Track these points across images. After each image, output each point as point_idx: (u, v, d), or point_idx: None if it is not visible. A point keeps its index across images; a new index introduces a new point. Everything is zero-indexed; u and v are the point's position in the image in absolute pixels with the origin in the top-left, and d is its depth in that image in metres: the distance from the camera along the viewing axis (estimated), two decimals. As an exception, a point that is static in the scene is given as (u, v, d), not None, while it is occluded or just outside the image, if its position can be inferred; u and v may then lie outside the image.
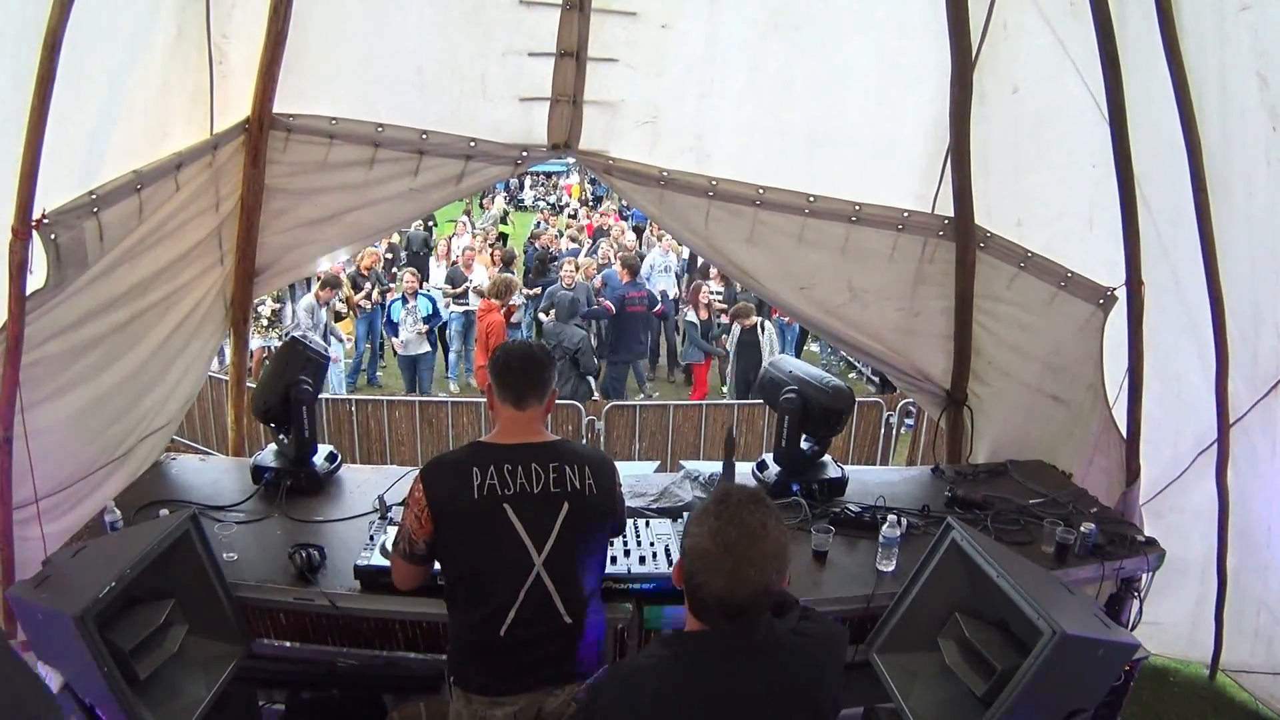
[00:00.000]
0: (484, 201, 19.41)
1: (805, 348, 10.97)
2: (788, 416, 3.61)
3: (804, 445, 3.67)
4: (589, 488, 2.40)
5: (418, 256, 12.86)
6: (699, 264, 10.56)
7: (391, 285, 10.87)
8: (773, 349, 8.67)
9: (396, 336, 9.30)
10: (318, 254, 4.29)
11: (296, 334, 3.90)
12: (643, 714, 1.70)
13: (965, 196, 3.95)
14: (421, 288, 9.69)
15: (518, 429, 2.44)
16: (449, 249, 11.76)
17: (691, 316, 9.70)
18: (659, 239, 11.59)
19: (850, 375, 10.38)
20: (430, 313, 9.39)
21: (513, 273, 10.81)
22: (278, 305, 9.61)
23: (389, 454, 6.91)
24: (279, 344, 8.72)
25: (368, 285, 10.14)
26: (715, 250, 4.17)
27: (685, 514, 3.34)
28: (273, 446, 3.66)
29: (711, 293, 9.72)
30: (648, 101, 3.94)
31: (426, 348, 9.43)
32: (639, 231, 15.54)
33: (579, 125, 3.96)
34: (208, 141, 3.61)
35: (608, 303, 9.35)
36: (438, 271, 11.45)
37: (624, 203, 20.23)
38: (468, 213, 16.88)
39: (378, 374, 10.43)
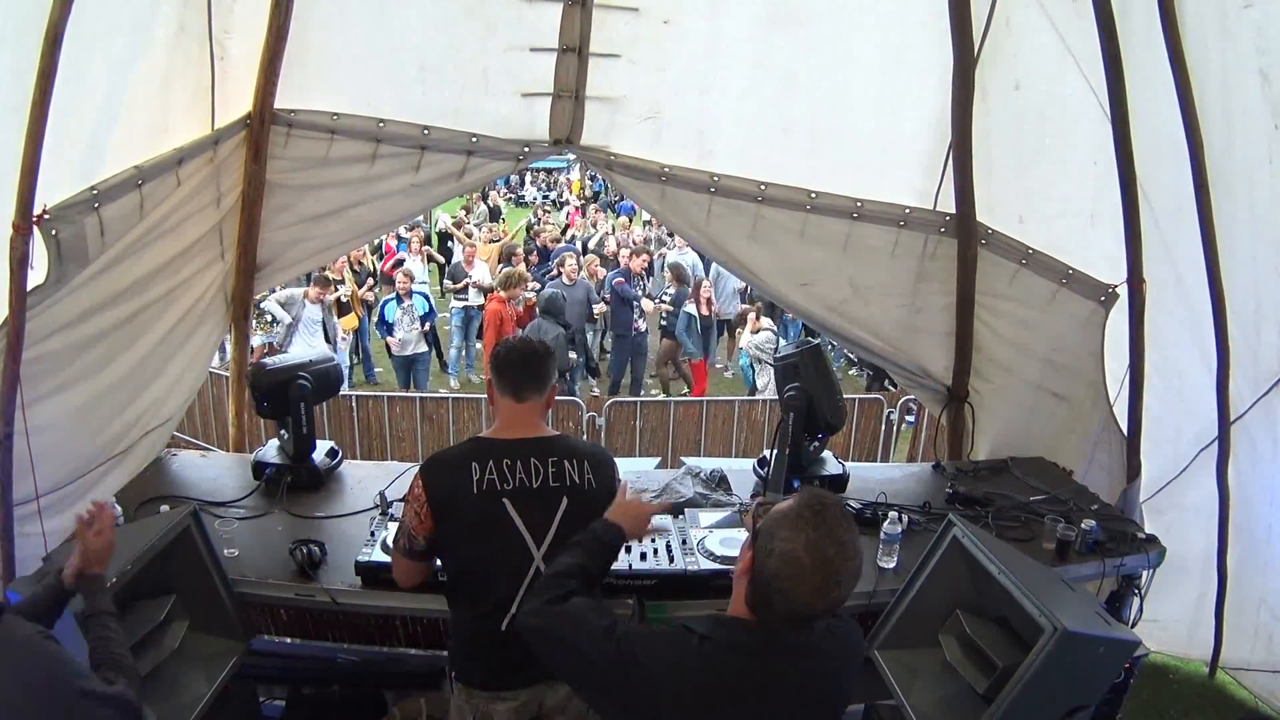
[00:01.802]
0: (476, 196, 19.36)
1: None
2: (792, 413, 3.60)
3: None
4: (588, 482, 2.40)
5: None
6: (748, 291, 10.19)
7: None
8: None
9: (391, 336, 9.20)
10: (319, 250, 4.29)
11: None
12: (680, 692, 1.70)
13: (967, 193, 3.95)
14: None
15: (517, 423, 2.44)
16: (423, 243, 11.72)
17: (690, 309, 9.68)
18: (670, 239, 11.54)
19: (851, 372, 10.38)
20: (426, 311, 9.32)
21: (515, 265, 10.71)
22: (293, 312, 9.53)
23: (390, 450, 6.91)
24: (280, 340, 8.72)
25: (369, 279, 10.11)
26: (717, 246, 4.17)
27: (687, 510, 3.35)
28: (274, 442, 3.67)
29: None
30: (650, 97, 3.93)
31: (425, 347, 9.37)
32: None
33: (581, 121, 3.95)
34: (209, 137, 3.61)
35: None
36: (411, 264, 11.28)
37: (615, 197, 20.42)
38: (466, 210, 16.81)
39: (374, 371, 10.40)
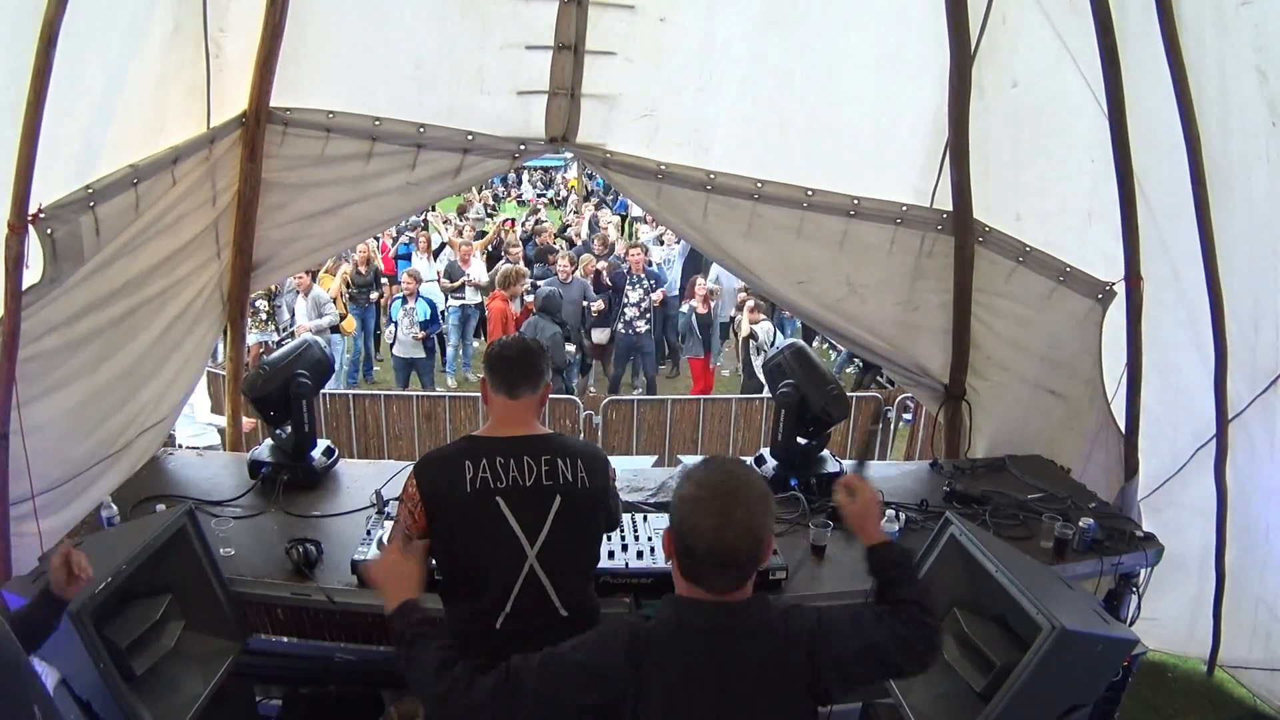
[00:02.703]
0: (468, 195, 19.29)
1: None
2: (784, 410, 3.61)
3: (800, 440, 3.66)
4: (581, 481, 2.40)
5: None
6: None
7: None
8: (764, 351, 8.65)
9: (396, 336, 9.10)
10: (315, 248, 4.28)
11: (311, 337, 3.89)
12: (629, 669, 1.72)
13: (964, 190, 3.94)
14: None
15: (511, 420, 2.44)
16: (429, 243, 11.68)
17: (686, 308, 9.65)
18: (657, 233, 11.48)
19: (849, 370, 10.36)
20: (428, 318, 9.07)
21: (511, 261, 10.61)
22: (276, 302, 9.46)
23: (386, 449, 6.89)
24: (277, 339, 8.68)
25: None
26: (713, 244, 4.16)
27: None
28: (269, 441, 3.66)
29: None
30: (646, 95, 3.92)
31: (422, 353, 9.16)
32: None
33: (577, 118, 3.94)
34: (204, 135, 3.60)
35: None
36: (418, 263, 11.19)
37: (610, 195, 20.52)
38: (461, 211, 16.74)
39: (373, 369, 10.36)
